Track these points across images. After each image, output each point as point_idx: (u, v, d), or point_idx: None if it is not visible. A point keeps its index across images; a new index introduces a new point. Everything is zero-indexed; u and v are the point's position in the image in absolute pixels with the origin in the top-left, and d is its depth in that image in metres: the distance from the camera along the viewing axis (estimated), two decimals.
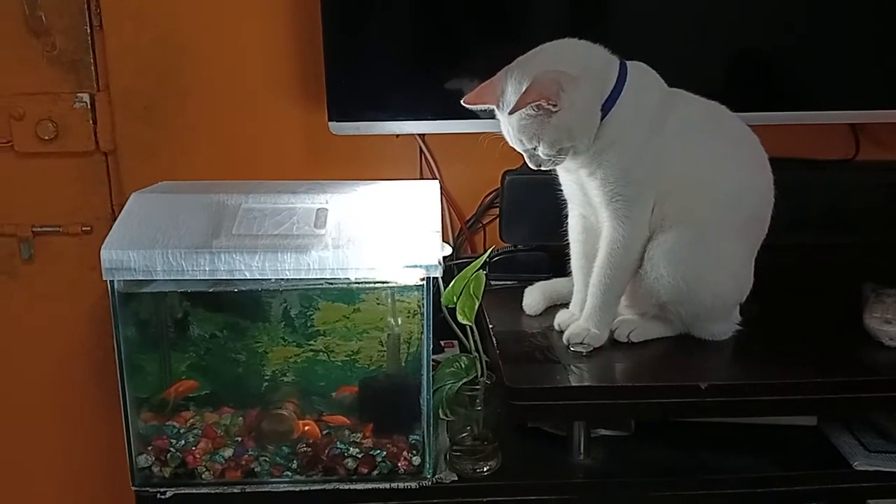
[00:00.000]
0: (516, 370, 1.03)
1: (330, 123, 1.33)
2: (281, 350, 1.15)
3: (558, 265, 1.23)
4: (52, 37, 1.41)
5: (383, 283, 1.02)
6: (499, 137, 1.39)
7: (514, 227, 1.40)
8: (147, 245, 0.97)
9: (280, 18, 1.41)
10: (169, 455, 1.06)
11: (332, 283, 1.01)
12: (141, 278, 0.98)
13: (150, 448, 1.07)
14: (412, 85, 1.34)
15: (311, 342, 1.14)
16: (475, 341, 1.05)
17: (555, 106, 0.96)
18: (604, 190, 1.04)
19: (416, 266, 0.99)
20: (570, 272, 1.19)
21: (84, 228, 1.50)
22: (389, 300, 1.12)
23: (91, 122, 1.44)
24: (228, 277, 0.98)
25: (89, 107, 1.44)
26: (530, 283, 1.28)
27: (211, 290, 1.01)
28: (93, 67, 1.43)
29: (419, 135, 1.43)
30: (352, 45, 1.31)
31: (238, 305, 1.13)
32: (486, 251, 1.15)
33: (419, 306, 1.08)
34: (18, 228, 1.48)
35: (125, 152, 1.47)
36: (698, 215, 1.06)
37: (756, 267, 1.13)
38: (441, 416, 1.04)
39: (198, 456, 1.07)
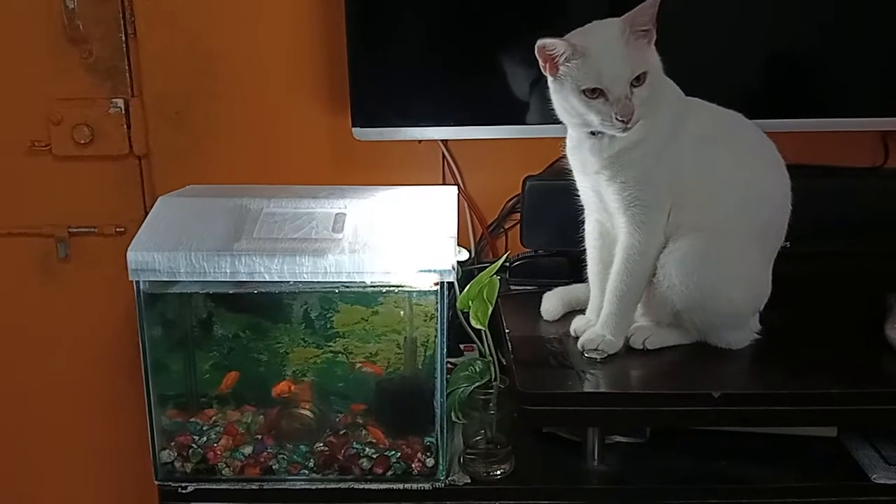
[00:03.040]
0: (530, 375, 1.04)
1: (354, 129, 1.35)
2: (301, 351, 1.17)
3: (578, 271, 1.23)
4: (89, 45, 1.47)
5: (398, 286, 1.04)
6: (521, 143, 1.41)
7: (534, 232, 1.41)
8: (171, 247, 1.01)
9: (306, 26, 1.44)
10: (191, 451, 1.09)
11: (347, 287, 1.03)
12: (165, 279, 1.01)
13: (172, 444, 1.10)
14: (435, 92, 1.36)
15: (331, 343, 1.17)
16: (489, 345, 1.06)
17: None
18: (622, 195, 1.04)
19: (430, 270, 1.01)
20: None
21: (118, 229, 1.55)
22: (407, 304, 1.14)
23: (125, 126, 1.49)
24: (248, 279, 1.01)
25: (123, 112, 1.49)
26: (550, 288, 1.28)
27: (231, 292, 1.04)
28: (127, 74, 1.48)
29: (442, 140, 1.45)
30: (375, 51, 1.34)
31: (260, 306, 1.16)
32: (501, 256, 1.16)
33: (436, 310, 1.10)
34: (55, 229, 1.54)
35: (157, 156, 1.52)
36: (711, 223, 1.06)
37: (778, 275, 1.12)
38: (454, 418, 1.05)
39: (218, 452, 1.10)
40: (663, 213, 1.06)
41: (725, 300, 1.07)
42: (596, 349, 1.09)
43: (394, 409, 1.14)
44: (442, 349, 1.04)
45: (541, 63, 1.01)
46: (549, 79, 1.03)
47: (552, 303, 1.25)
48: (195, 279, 1.01)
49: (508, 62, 1.35)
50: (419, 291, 1.05)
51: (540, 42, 0.98)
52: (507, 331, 1.18)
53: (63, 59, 1.47)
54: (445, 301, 1.03)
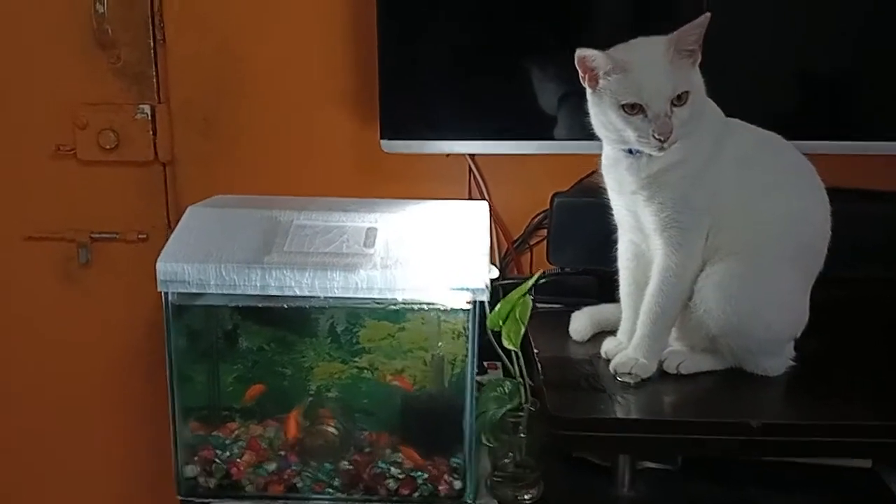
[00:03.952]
0: (561, 398, 1.02)
1: (382, 141, 1.33)
2: (326, 366, 1.16)
3: (606, 290, 1.21)
4: (118, 49, 1.46)
5: (429, 304, 1.02)
6: (547, 158, 1.40)
7: (561, 249, 1.39)
8: (201, 259, 0.99)
9: (336, 35, 1.43)
10: (214, 466, 1.08)
11: (378, 303, 1.01)
12: (194, 291, 0.99)
13: (196, 459, 1.09)
14: (464, 105, 1.34)
15: (356, 359, 1.15)
16: (520, 367, 1.04)
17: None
18: (660, 216, 1.02)
19: (463, 289, 0.99)
20: (619, 298, 1.17)
21: (140, 236, 1.54)
22: (435, 321, 1.12)
23: (151, 132, 1.48)
24: (278, 293, 0.99)
25: (150, 118, 1.48)
26: (577, 307, 1.26)
27: (261, 306, 1.02)
28: (155, 80, 1.47)
29: (469, 154, 1.43)
30: (406, 63, 1.33)
31: (286, 320, 1.14)
32: (532, 275, 1.14)
33: (464, 328, 1.08)
34: (77, 234, 1.53)
35: (183, 163, 1.51)
36: (750, 246, 1.03)
37: (814, 301, 1.10)
38: (484, 441, 1.03)
39: (242, 468, 1.08)
40: (701, 235, 1.04)
41: (763, 326, 1.04)
42: (629, 372, 1.07)
43: (420, 429, 1.12)
44: (472, 370, 1.02)
45: (580, 74, 0.99)
46: (588, 91, 1.01)
47: (581, 323, 1.22)
48: (224, 292, 0.99)
49: (539, 77, 1.33)
50: (449, 310, 1.03)
51: (580, 53, 0.97)
52: (535, 351, 1.16)
53: (91, 64, 1.46)
54: (477, 320, 1.01)
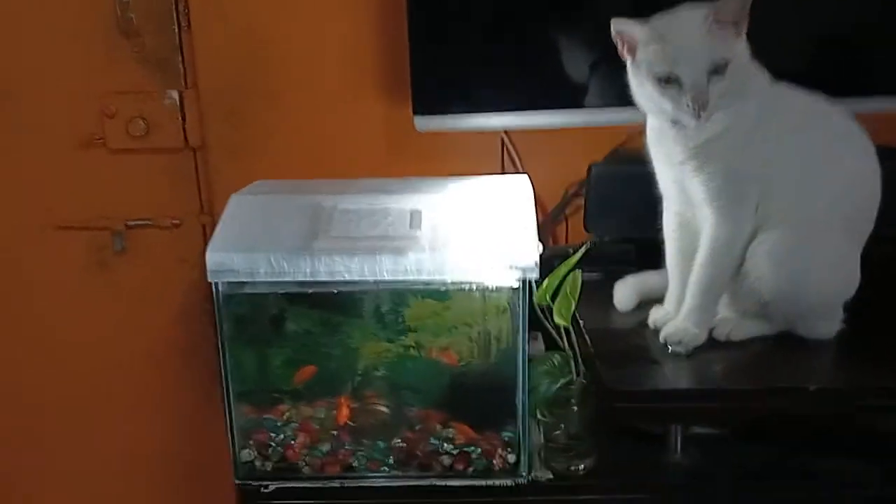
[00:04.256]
0: (614, 371, 1.02)
1: (415, 118, 1.32)
2: (373, 345, 1.16)
3: (645, 258, 1.21)
4: (142, 37, 1.44)
5: (479, 284, 1.01)
6: (579, 131, 1.38)
7: (599, 218, 1.38)
8: (250, 248, 0.99)
9: (364, 15, 1.41)
10: (270, 450, 1.09)
11: (428, 286, 1.01)
12: (244, 279, 0.99)
13: (251, 442, 1.10)
14: (498, 79, 1.33)
15: (402, 338, 1.15)
16: (571, 342, 1.04)
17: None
18: (708, 186, 1.01)
19: (514, 268, 0.99)
20: (659, 266, 1.17)
21: (174, 222, 1.54)
22: (480, 298, 1.11)
23: (180, 119, 1.47)
24: (329, 279, 0.99)
25: (178, 104, 1.47)
26: (616, 276, 1.26)
27: (311, 292, 1.02)
28: (181, 66, 1.46)
29: (503, 129, 1.42)
30: (437, 38, 1.31)
31: (332, 303, 1.14)
32: (578, 246, 1.13)
33: (509, 303, 1.08)
34: (111, 222, 1.53)
35: (213, 149, 1.50)
36: (803, 213, 1.03)
37: (863, 259, 1.08)
38: (539, 416, 1.04)
39: (297, 450, 1.09)
40: (751, 205, 1.03)
41: (815, 291, 1.04)
42: (679, 342, 1.07)
43: (470, 405, 1.12)
44: (524, 347, 1.02)
45: (619, 46, 0.98)
46: (628, 62, 0.99)
47: (625, 292, 1.22)
48: (274, 279, 0.99)
49: (573, 46, 1.31)
50: (495, 288, 1.03)
51: (616, 25, 0.95)
52: (581, 322, 1.16)
53: (115, 52, 1.45)
54: (528, 298, 1.00)
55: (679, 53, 0.94)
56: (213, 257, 0.99)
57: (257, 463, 1.09)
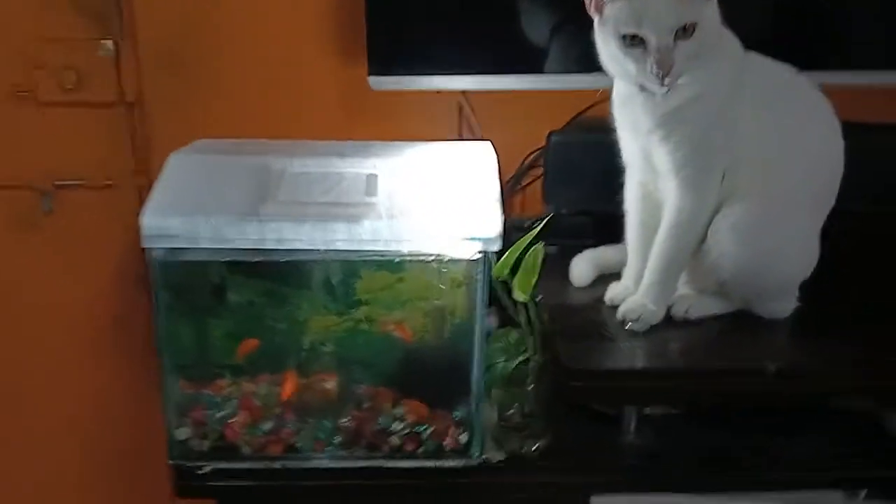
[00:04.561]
0: (571, 348, 0.99)
1: (370, 78, 1.25)
2: (321, 319, 1.10)
3: (604, 231, 1.18)
4: None
5: (438, 255, 0.96)
6: (540, 96, 1.33)
7: (558, 190, 1.34)
8: (190, 211, 0.92)
9: None
10: (208, 428, 1.02)
11: (383, 256, 0.95)
12: (184, 246, 0.92)
13: (188, 420, 1.03)
14: (456, 39, 1.27)
15: (353, 311, 1.10)
16: (530, 319, 1.00)
17: None
18: (675, 155, 0.98)
19: (475, 239, 0.94)
20: (619, 240, 1.14)
21: (107, 182, 1.44)
22: (435, 271, 1.06)
23: (115, 71, 1.37)
24: (276, 247, 0.93)
25: (114, 55, 1.37)
26: (573, 250, 1.22)
27: (256, 261, 0.95)
28: (118, 14, 1.35)
29: (461, 91, 1.36)
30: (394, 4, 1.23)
31: (278, 272, 1.07)
32: (541, 218, 1.09)
33: (464, 278, 1.03)
34: (38, 181, 1.43)
35: (150, 104, 1.41)
36: (770, 188, 1.00)
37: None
38: (492, 394, 1.00)
39: (237, 429, 1.03)
40: (718, 176, 1.00)
41: (778, 269, 1.03)
42: (637, 319, 1.04)
43: (422, 382, 1.08)
44: (482, 323, 0.98)
45: (585, 2, 0.93)
46: (595, 18, 0.95)
47: (582, 267, 1.19)
48: (216, 246, 0.92)
49: (534, 8, 1.26)
50: (453, 259, 0.98)
51: None
52: (538, 297, 1.12)
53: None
54: (488, 272, 0.96)
55: (646, 11, 0.89)
56: (149, 221, 0.91)
57: (194, 442, 1.03)
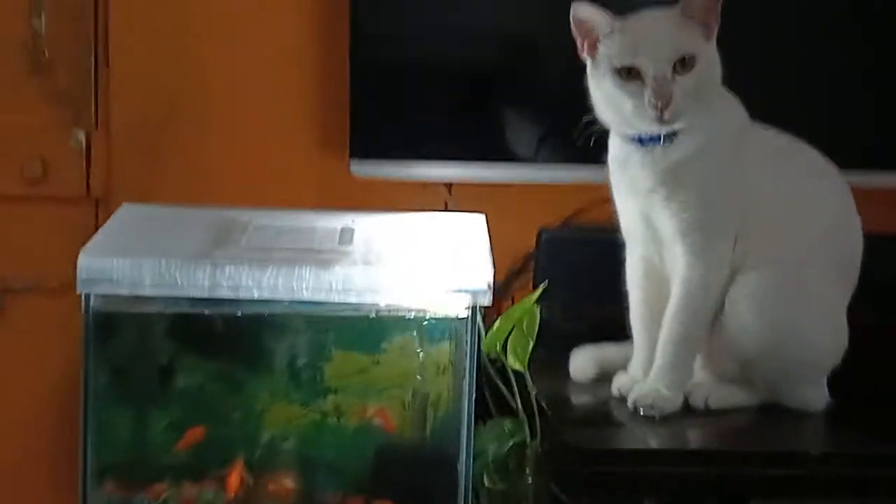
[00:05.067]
0: (578, 432, 0.84)
1: (352, 163, 1.19)
2: (281, 409, 0.95)
3: (599, 335, 1.07)
4: (54, 72, 1.30)
5: (421, 311, 0.84)
6: (533, 191, 1.27)
7: (550, 292, 1.23)
8: (134, 253, 0.80)
9: (301, 59, 1.30)
10: None
11: (357, 310, 0.82)
12: (125, 293, 0.79)
13: None
14: (444, 125, 1.23)
15: (320, 400, 0.95)
16: (526, 397, 0.86)
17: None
18: (681, 217, 0.89)
19: (462, 291, 0.82)
20: (620, 337, 1.02)
21: (61, 286, 1.32)
22: (415, 352, 0.93)
23: (84, 164, 1.30)
24: (232, 296, 0.80)
25: (84, 146, 1.30)
26: (567, 356, 1.09)
27: (207, 313, 0.82)
28: (93, 104, 1.31)
29: (446, 185, 1.30)
30: (380, 84, 1.21)
31: (234, 352, 0.94)
32: (541, 284, 0.97)
33: (451, 361, 0.90)
34: None
35: (119, 198, 1.31)
36: (785, 254, 0.92)
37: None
38: (486, 483, 0.83)
39: None
40: (729, 239, 0.91)
41: (805, 345, 0.91)
42: (651, 406, 0.90)
43: (400, 484, 0.90)
44: (470, 393, 0.83)
45: (578, 41, 0.88)
46: (588, 62, 0.90)
47: (583, 361, 1.06)
48: (163, 293, 0.79)
49: (525, 103, 1.23)
50: (436, 320, 0.85)
51: (577, 12, 0.87)
52: (534, 392, 0.97)
53: (22, 88, 1.29)
54: (477, 330, 0.83)
55: (642, 42, 0.85)
56: (86, 262, 0.79)
57: None
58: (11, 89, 1.29)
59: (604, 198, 1.01)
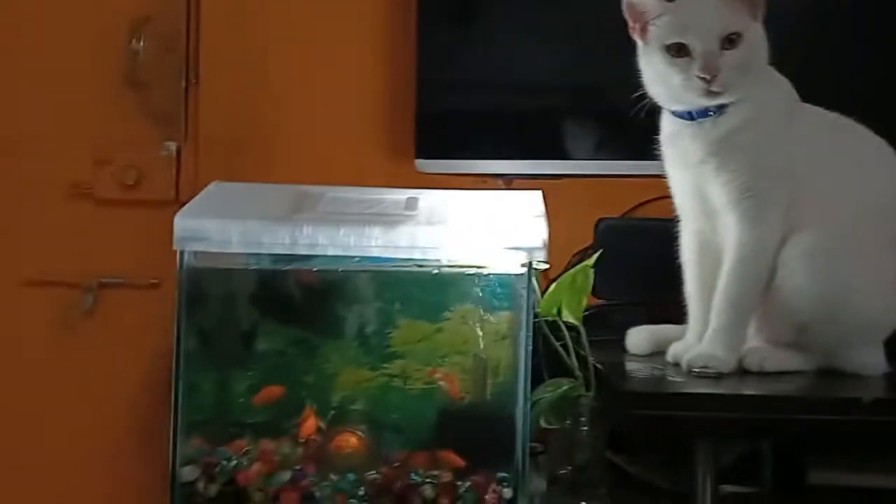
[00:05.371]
0: (630, 384, 0.87)
1: (416, 161, 1.27)
2: (352, 373, 1.01)
3: (657, 322, 1.10)
4: (149, 89, 1.43)
5: (480, 267, 0.90)
6: (592, 187, 1.32)
7: (609, 279, 1.27)
8: (224, 215, 0.89)
9: (371, 76, 1.40)
10: (218, 469, 0.90)
11: (421, 266, 0.89)
12: (215, 250, 0.88)
13: (196, 463, 0.92)
14: (502, 124, 1.30)
15: (387, 365, 1.01)
16: (581, 349, 0.90)
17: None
18: (732, 185, 0.93)
19: (518, 248, 0.88)
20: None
21: (152, 282, 1.44)
22: (477, 318, 0.99)
23: (174, 171, 1.42)
24: (309, 252, 0.88)
25: (174, 156, 1.42)
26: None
27: (287, 269, 0.90)
28: (184, 119, 1.43)
29: (505, 181, 1.36)
30: (444, 92, 1.30)
31: (310, 319, 1.01)
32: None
33: (509, 329, 0.95)
34: (84, 278, 1.42)
35: None
36: (837, 218, 0.93)
37: None
38: (542, 423, 0.87)
39: (251, 476, 0.91)
40: (781, 205, 0.94)
41: (860, 307, 0.92)
42: (705, 367, 0.92)
43: (461, 441, 0.95)
44: (528, 344, 0.88)
45: (630, 25, 0.95)
46: (639, 45, 0.96)
47: (640, 337, 1.09)
48: (250, 250, 0.88)
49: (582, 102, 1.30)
50: (494, 276, 0.90)
51: None
52: (591, 359, 1.01)
53: (119, 103, 1.42)
54: (532, 289, 0.88)
55: (690, 20, 0.90)
56: (182, 222, 0.89)
57: (199, 485, 0.90)
58: (112, 104, 1.43)
59: (660, 193, 1.06)
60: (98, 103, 1.42)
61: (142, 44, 1.43)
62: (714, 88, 0.89)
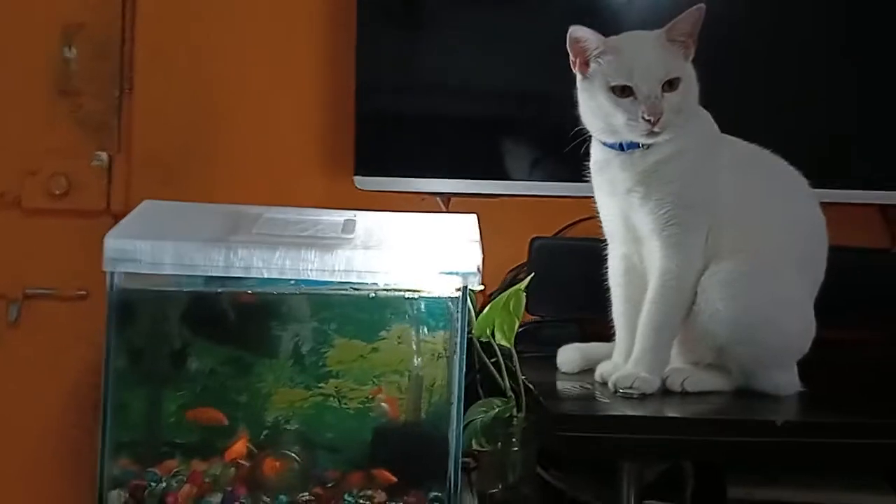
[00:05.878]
0: (560, 405, 0.90)
1: (355, 178, 1.28)
2: (287, 392, 1.02)
3: (588, 338, 1.14)
4: (81, 97, 1.40)
5: (415, 290, 0.91)
6: (527, 206, 1.35)
7: (542, 296, 1.30)
8: (156, 236, 0.88)
9: (311, 87, 1.41)
10: (147, 492, 0.89)
11: (357, 289, 0.90)
12: (146, 272, 0.87)
13: (124, 487, 0.91)
14: (441, 142, 1.32)
15: (321, 385, 1.01)
16: (513, 372, 0.93)
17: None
18: (657, 214, 0.97)
19: (453, 273, 0.89)
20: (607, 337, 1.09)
21: (79, 293, 1.40)
22: (413, 338, 1.00)
23: (106, 181, 1.39)
24: (244, 275, 0.88)
25: (107, 166, 1.39)
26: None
27: (220, 291, 0.90)
28: (117, 128, 1.40)
29: (443, 200, 1.38)
30: (383, 105, 1.31)
31: (243, 337, 1.01)
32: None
33: (444, 349, 0.97)
34: (9, 289, 1.38)
35: None
36: (756, 245, 0.98)
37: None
38: (475, 446, 0.89)
39: (181, 499, 0.90)
40: (701, 234, 0.98)
41: (775, 330, 0.97)
42: (631, 387, 0.96)
43: (394, 461, 0.96)
44: (461, 367, 0.90)
45: (571, 58, 0.98)
46: (578, 77, 0.99)
47: (571, 355, 1.12)
48: (183, 273, 0.87)
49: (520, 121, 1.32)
50: (430, 299, 0.92)
51: (573, 32, 0.96)
52: (522, 377, 1.04)
53: (51, 112, 1.39)
54: (468, 312, 0.90)
55: (635, 64, 0.94)
56: (113, 243, 0.88)
57: None
58: (42, 112, 1.39)
59: (592, 213, 1.08)
60: (28, 111, 1.39)
61: (74, 51, 1.40)
62: (656, 129, 0.93)
